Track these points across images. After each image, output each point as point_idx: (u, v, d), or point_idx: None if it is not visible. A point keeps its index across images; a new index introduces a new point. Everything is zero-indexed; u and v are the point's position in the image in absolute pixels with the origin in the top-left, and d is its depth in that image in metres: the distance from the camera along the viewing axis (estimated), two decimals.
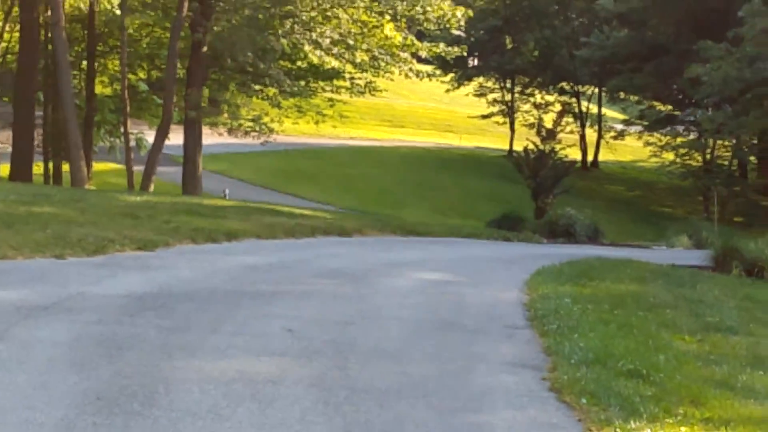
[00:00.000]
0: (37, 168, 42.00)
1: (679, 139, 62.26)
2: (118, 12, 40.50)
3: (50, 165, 44.06)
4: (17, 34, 43.18)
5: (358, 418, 7.55)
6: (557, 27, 73.29)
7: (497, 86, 77.10)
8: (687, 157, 61.53)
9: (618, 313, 13.32)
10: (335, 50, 38.02)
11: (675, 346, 11.59)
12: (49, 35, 40.22)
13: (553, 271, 18.33)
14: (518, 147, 53.41)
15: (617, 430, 7.76)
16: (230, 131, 39.03)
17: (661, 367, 10.05)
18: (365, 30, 37.95)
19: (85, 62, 45.36)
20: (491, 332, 11.55)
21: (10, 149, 39.74)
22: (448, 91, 78.68)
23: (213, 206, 25.20)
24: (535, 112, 72.89)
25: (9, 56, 48.80)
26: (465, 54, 59.88)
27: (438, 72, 66.30)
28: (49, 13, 36.84)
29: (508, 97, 76.47)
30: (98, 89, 47.05)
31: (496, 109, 76.89)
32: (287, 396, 7.94)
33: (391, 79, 42.38)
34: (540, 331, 11.74)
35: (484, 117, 77.35)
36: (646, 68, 60.17)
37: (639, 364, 9.85)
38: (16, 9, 44.29)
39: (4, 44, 48.40)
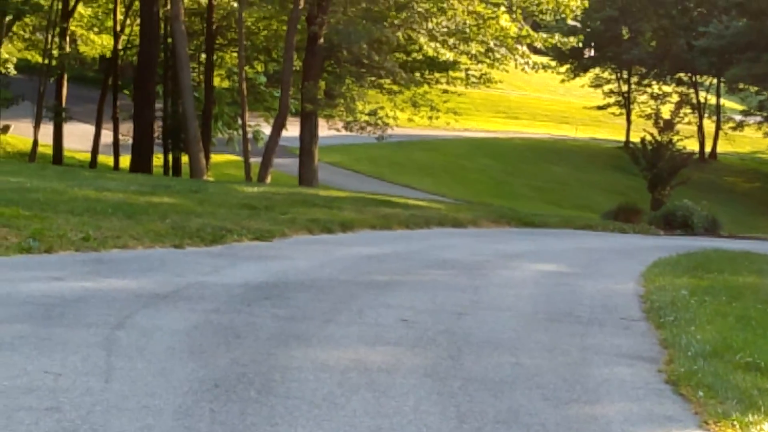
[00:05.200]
0: (157, 159, 42.67)
1: None
2: (236, 5, 40.95)
3: (170, 156, 44.74)
4: (137, 28, 43.89)
5: (472, 408, 7.55)
6: (675, 16, 72.32)
7: (613, 77, 76.46)
8: None
9: (736, 305, 13.15)
10: (450, 42, 37.96)
11: None
12: (169, 29, 40.81)
13: (669, 262, 18.15)
14: (635, 138, 52.97)
15: (735, 423, 7.65)
16: (346, 126, 39.18)
17: None
18: (480, 21, 37.81)
19: (203, 55, 46.03)
20: (606, 324, 11.48)
21: (131, 141, 40.42)
22: (563, 81, 78.22)
23: (329, 197, 25.37)
24: (652, 102, 72.08)
25: (129, 50, 49.61)
26: (581, 45, 59.35)
27: (553, 63, 66.04)
28: (169, 6, 37.40)
29: (624, 87, 75.79)
30: (216, 82, 47.71)
31: (612, 100, 76.28)
32: (401, 385, 7.97)
33: (506, 71, 42.16)
34: (656, 323, 11.64)
35: (600, 108, 76.75)
36: (765, 57, 59.14)
37: (757, 357, 9.70)
38: (136, 3, 45.01)
39: (124, 37, 49.24)
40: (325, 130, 41.85)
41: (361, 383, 7.93)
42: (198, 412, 6.86)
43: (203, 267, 13.03)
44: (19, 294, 10.18)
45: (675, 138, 44.13)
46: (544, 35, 42.05)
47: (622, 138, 70.07)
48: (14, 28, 48.54)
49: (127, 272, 12.11)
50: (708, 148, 73.35)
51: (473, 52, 38.52)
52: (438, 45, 37.83)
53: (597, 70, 76.53)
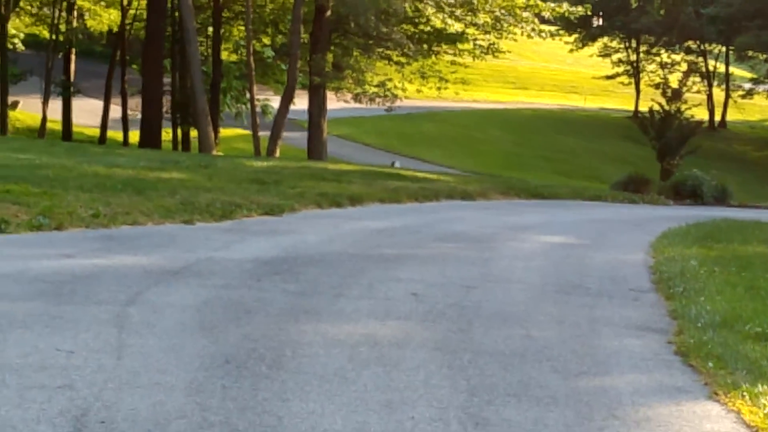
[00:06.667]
0: (166, 134, 42.68)
1: None
2: None
3: (178, 131, 44.75)
4: (145, 2, 43.81)
5: (482, 381, 7.56)
6: None
7: (622, 46, 76.22)
8: None
9: (745, 275, 13.14)
10: (458, 12, 37.85)
11: None
12: (176, 2, 40.73)
13: (679, 233, 18.14)
14: (643, 108, 52.79)
15: (744, 393, 7.65)
16: (356, 98, 39.09)
17: None
18: None
19: (210, 29, 45.91)
20: (616, 295, 11.48)
21: (139, 116, 40.41)
22: (571, 51, 77.98)
23: (337, 171, 25.38)
24: (660, 72, 71.91)
25: (137, 24, 49.56)
26: (589, 14, 59.07)
27: (561, 32, 65.92)
28: None
29: (633, 57, 75.55)
30: (224, 56, 47.59)
31: (620, 69, 76.05)
32: (412, 359, 7.98)
33: (515, 40, 42.05)
34: (665, 294, 11.64)
35: (608, 78, 76.54)
36: None
37: (767, 327, 9.71)
38: None
39: (132, 11, 49.18)
40: (333, 102, 41.82)
41: (372, 357, 7.95)
42: (209, 388, 6.88)
43: (213, 242, 13.06)
44: (30, 272, 10.22)
45: (683, 107, 43.98)
46: (552, 4, 41.89)
47: (631, 108, 69.92)
48: (21, 4, 48.54)
49: (137, 249, 12.14)
50: (717, 117, 73.18)
51: (480, 22, 38.41)
52: (445, 16, 37.72)
53: (605, 39, 76.29)
